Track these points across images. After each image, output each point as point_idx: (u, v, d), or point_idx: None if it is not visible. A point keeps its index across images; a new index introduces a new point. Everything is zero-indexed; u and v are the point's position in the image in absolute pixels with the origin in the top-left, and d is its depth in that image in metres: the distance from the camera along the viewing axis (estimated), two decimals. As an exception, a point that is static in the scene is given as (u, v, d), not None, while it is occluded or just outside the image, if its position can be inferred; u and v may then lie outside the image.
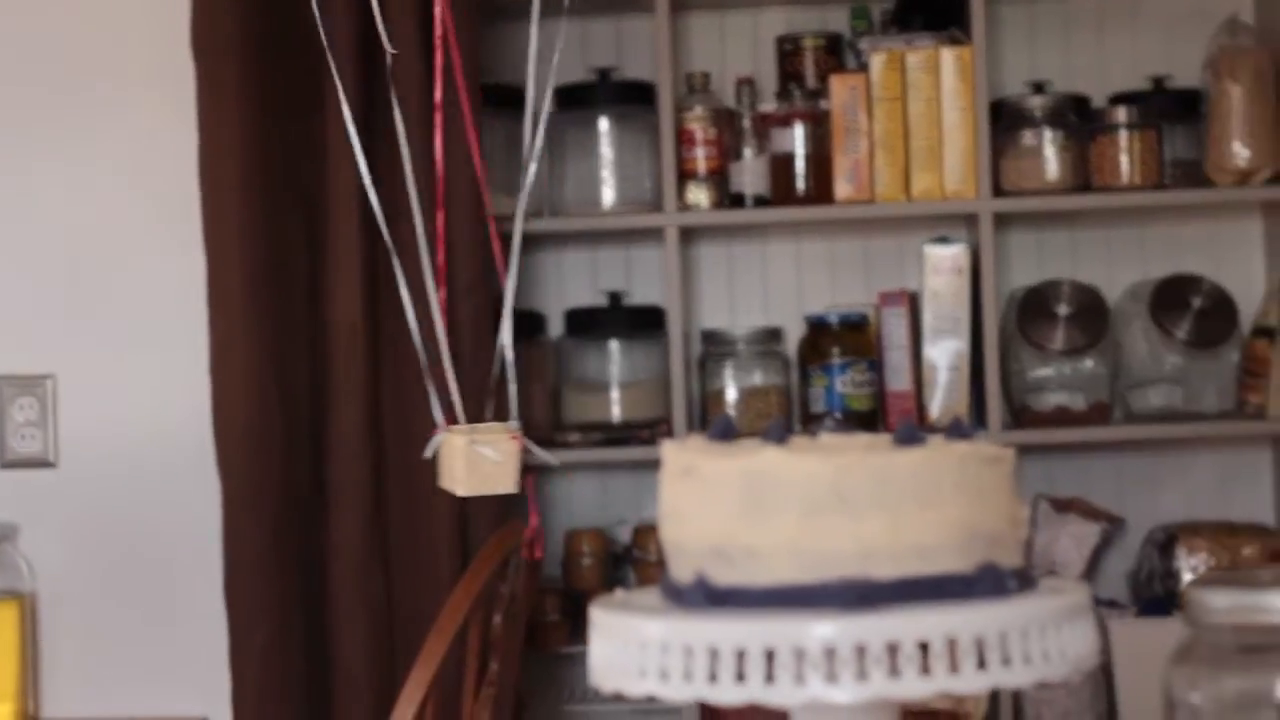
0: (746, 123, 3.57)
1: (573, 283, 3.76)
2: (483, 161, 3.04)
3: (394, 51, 2.24)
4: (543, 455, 1.95)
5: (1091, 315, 3.52)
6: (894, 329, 3.50)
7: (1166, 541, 3.45)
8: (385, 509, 3.03)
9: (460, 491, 1.90)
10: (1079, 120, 3.52)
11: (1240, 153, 3.41)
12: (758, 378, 3.59)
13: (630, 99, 3.57)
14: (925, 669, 1.19)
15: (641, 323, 3.60)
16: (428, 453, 1.94)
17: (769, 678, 1.19)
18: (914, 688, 1.19)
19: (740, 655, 1.20)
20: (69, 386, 3.20)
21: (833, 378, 3.51)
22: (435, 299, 2.08)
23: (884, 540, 1.21)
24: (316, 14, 2.29)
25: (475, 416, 3.09)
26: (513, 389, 1.99)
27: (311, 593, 3.04)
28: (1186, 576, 3.37)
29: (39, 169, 3.21)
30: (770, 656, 1.19)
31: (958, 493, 1.23)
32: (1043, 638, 1.22)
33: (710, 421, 3.45)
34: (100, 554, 3.18)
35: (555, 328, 3.70)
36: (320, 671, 3.04)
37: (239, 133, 3.01)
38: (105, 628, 3.18)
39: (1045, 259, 3.72)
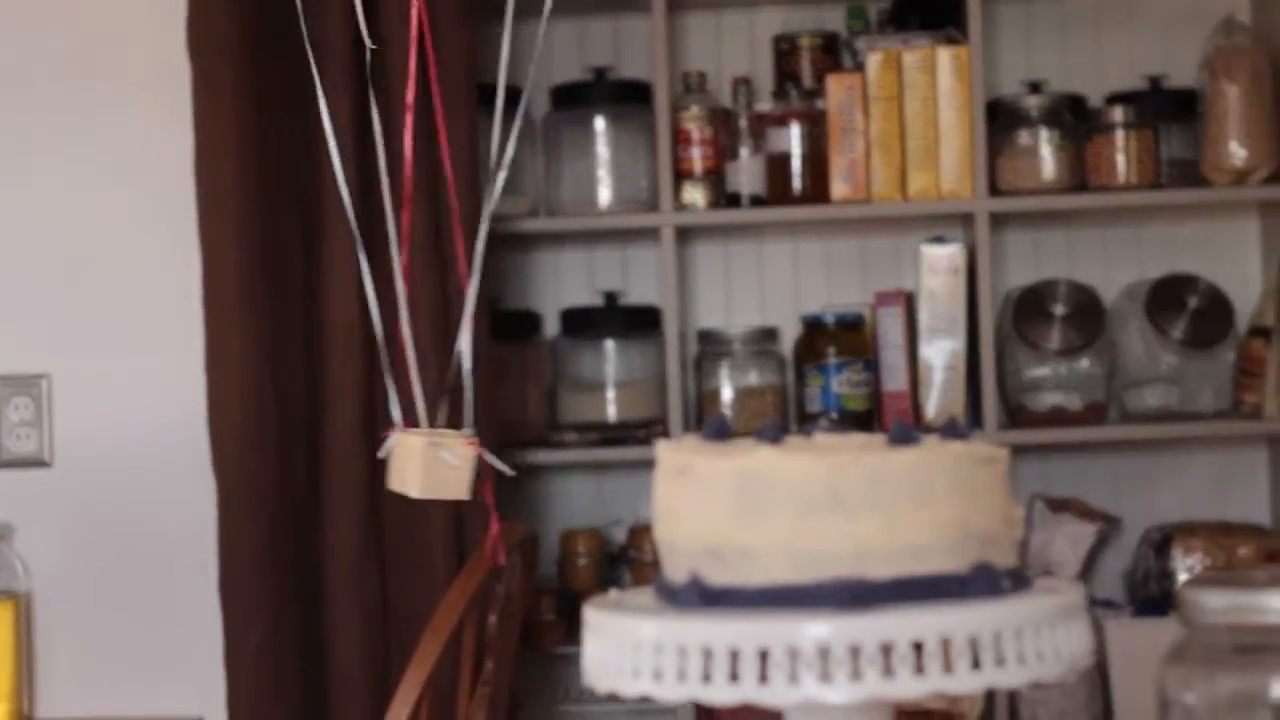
0: (743, 122, 3.57)
1: (569, 282, 3.76)
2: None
3: (373, 46, 2.24)
4: (499, 464, 1.93)
5: (1087, 315, 3.52)
6: (890, 329, 3.50)
7: (1162, 541, 3.45)
8: (381, 509, 3.03)
9: (413, 494, 1.88)
10: (1075, 120, 3.52)
11: (1237, 152, 3.41)
12: (754, 377, 3.59)
13: (627, 98, 3.57)
14: (919, 669, 1.19)
15: (637, 322, 3.60)
16: (381, 453, 1.93)
17: (763, 678, 1.19)
18: (908, 688, 1.19)
19: (734, 655, 1.20)
20: (64, 386, 3.20)
21: (828, 377, 3.50)
22: (403, 296, 2.07)
23: (878, 540, 1.21)
24: (300, 10, 2.28)
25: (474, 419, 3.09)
26: (469, 395, 1.97)
27: (307, 592, 3.03)
28: (1182, 576, 3.36)
29: (35, 169, 3.21)
30: (764, 656, 1.19)
31: (952, 493, 1.23)
32: (1037, 638, 1.22)
33: (706, 421, 3.45)
34: (96, 553, 3.17)
35: (551, 327, 3.70)
36: (316, 671, 3.03)
37: (235, 132, 3.01)
38: (100, 627, 3.18)
39: (1041, 259, 3.72)
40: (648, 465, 1.33)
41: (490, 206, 1.98)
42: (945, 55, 3.42)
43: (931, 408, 3.44)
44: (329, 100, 2.92)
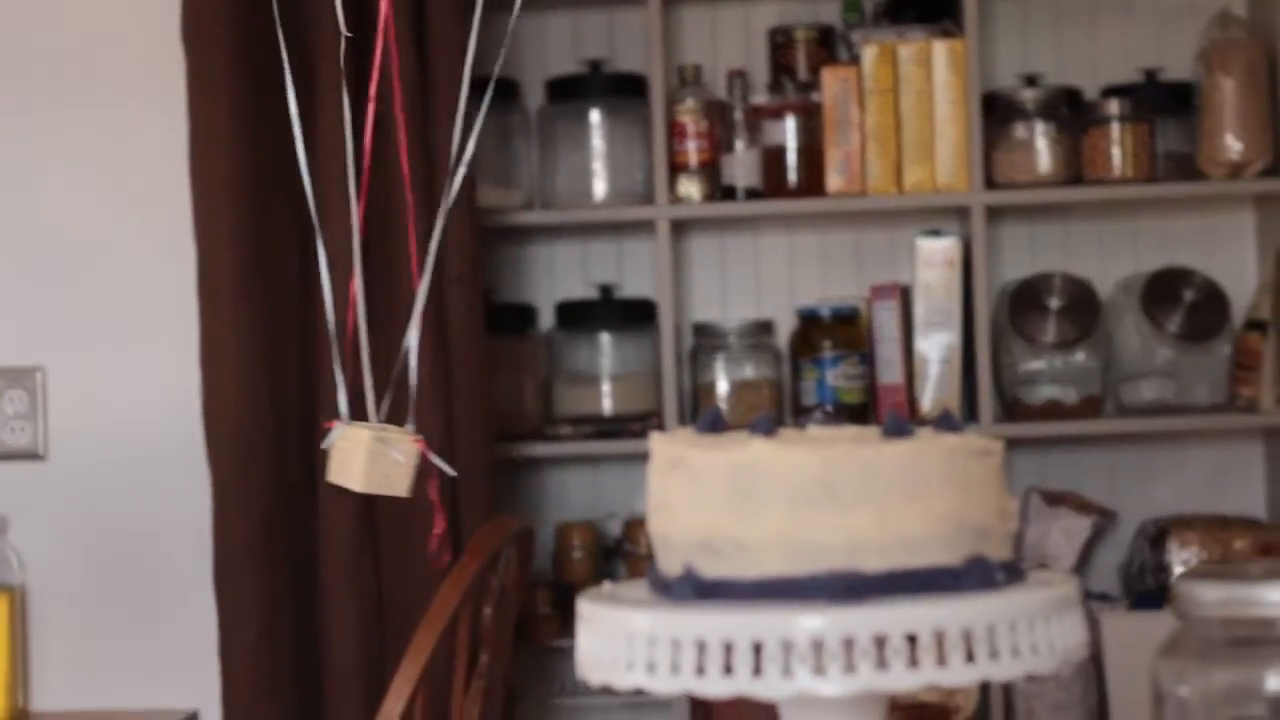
0: (738, 115, 3.56)
1: (564, 275, 3.76)
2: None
3: (349, 35, 2.24)
4: (442, 464, 1.92)
5: (1083, 308, 3.52)
6: (885, 322, 3.50)
7: (1158, 535, 3.45)
8: (375, 502, 3.03)
9: (356, 488, 1.86)
10: (1071, 113, 3.52)
11: (1232, 145, 3.41)
12: (749, 371, 3.59)
13: (622, 91, 3.57)
14: (913, 662, 1.19)
15: (633, 315, 3.59)
16: (325, 444, 1.91)
17: (756, 670, 1.19)
18: (902, 680, 1.18)
19: (728, 648, 1.20)
20: (59, 379, 3.19)
21: (824, 371, 3.50)
22: (360, 290, 2.05)
23: (872, 533, 1.21)
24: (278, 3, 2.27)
25: (465, 412, 3.09)
26: (413, 393, 1.96)
27: (302, 586, 3.03)
28: (1178, 570, 3.36)
29: (29, 163, 3.20)
30: (758, 649, 1.19)
31: (946, 485, 1.23)
32: (1031, 630, 1.22)
33: (700, 414, 3.45)
34: (90, 547, 3.17)
35: (546, 320, 3.69)
36: (311, 664, 3.03)
37: (229, 127, 3.01)
38: (95, 621, 3.17)
39: (1037, 252, 3.71)
40: (643, 458, 1.33)
41: (448, 203, 1.96)
42: (941, 48, 3.42)
43: (927, 401, 3.44)
44: (324, 93, 2.93)
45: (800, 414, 3.52)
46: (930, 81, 3.42)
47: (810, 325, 3.56)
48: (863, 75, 3.44)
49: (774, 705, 1.26)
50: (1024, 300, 3.53)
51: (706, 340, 3.62)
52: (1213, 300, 3.53)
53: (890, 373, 3.49)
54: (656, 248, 3.47)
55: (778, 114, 3.51)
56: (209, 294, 3.01)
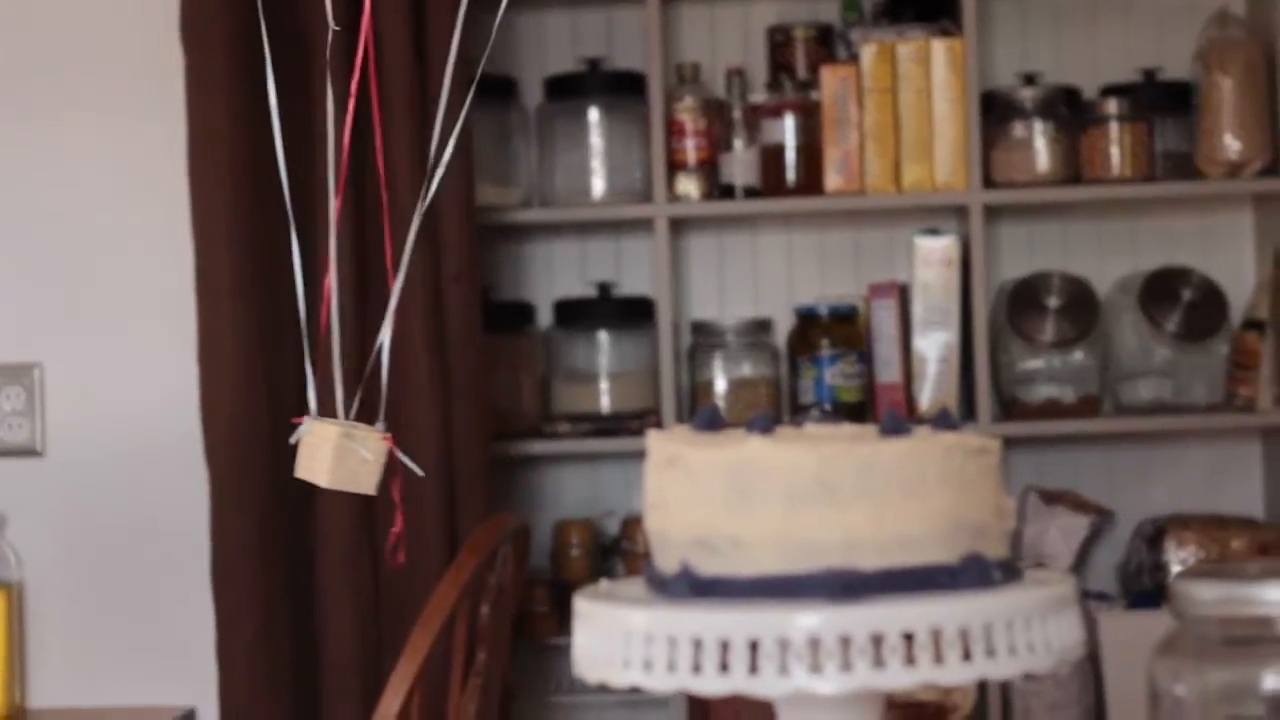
0: (737, 113, 3.56)
1: (562, 273, 3.75)
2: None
3: (336, 28, 2.23)
4: (410, 463, 1.91)
5: (1081, 307, 3.52)
6: (883, 321, 3.50)
7: (1156, 534, 3.45)
8: (373, 501, 3.02)
9: (322, 483, 1.86)
10: (1070, 112, 3.52)
11: (1231, 145, 3.41)
12: (747, 369, 3.59)
13: (620, 89, 3.56)
14: (910, 660, 1.19)
15: (631, 313, 3.59)
16: (293, 439, 1.91)
17: (753, 668, 1.19)
18: (898, 678, 1.18)
19: (724, 646, 1.19)
20: (56, 375, 3.19)
21: (822, 369, 3.50)
22: (334, 286, 2.04)
23: (868, 531, 1.21)
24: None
25: (463, 410, 3.09)
26: (384, 391, 1.96)
27: (299, 583, 3.03)
28: (1175, 569, 3.36)
29: (27, 159, 3.20)
30: (754, 647, 1.19)
31: (943, 483, 1.23)
32: (1027, 629, 1.22)
33: (697, 412, 3.45)
34: (88, 543, 3.17)
35: (544, 318, 3.69)
36: (308, 661, 3.03)
37: (228, 126, 3.00)
38: (93, 617, 3.17)
39: (1035, 251, 3.71)
40: (641, 456, 1.33)
41: (425, 204, 1.96)
42: (940, 47, 3.42)
43: (925, 400, 3.44)
44: (322, 92, 2.92)
45: (798, 413, 3.52)
46: (929, 80, 3.42)
47: (808, 324, 3.55)
48: (861, 74, 3.44)
49: (770, 703, 1.26)
50: (1022, 299, 3.53)
51: (704, 338, 3.62)
52: (1211, 300, 3.53)
53: (888, 371, 3.49)
54: (655, 246, 3.47)
55: (776, 112, 3.51)
56: (207, 292, 3.01)
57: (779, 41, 3.64)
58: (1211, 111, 3.43)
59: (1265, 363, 3.45)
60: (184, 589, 3.11)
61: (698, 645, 1.20)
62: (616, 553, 3.63)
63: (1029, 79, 3.56)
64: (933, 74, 3.42)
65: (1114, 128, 3.47)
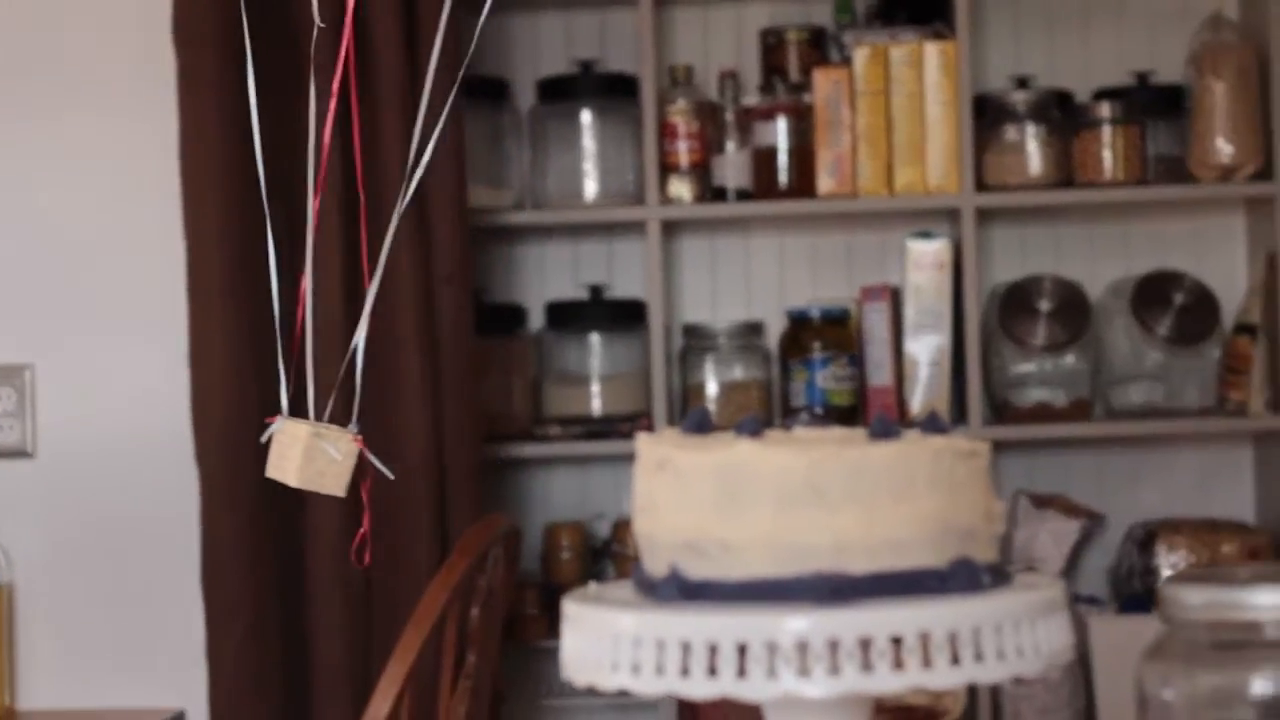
0: (729, 116, 3.56)
1: (554, 275, 3.75)
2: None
3: (321, 25, 2.23)
4: (380, 465, 1.91)
5: (1073, 311, 3.52)
6: (875, 324, 3.50)
7: (1146, 538, 3.45)
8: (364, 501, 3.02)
9: (291, 482, 1.86)
10: (1062, 115, 3.52)
11: (1223, 149, 3.41)
12: (738, 372, 3.59)
13: (613, 92, 3.56)
14: (898, 664, 1.18)
15: (623, 316, 3.59)
16: (264, 438, 1.91)
17: (741, 672, 1.18)
18: (887, 682, 1.18)
19: (712, 649, 1.19)
20: (47, 377, 3.19)
21: (813, 372, 3.50)
22: (309, 287, 2.04)
23: (858, 534, 1.21)
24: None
25: (454, 412, 3.09)
26: (358, 393, 1.95)
27: (289, 585, 3.03)
28: (1166, 573, 3.37)
29: (17, 160, 3.20)
30: (743, 650, 1.18)
31: (932, 487, 1.23)
32: (1016, 633, 1.22)
33: (686, 414, 3.45)
34: (78, 545, 3.17)
35: (536, 320, 3.69)
36: (298, 663, 3.03)
37: (219, 126, 3.00)
38: (82, 619, 3.17)
39: (1027, 254, 3.71)
40: (632, 459, 1.32)
41: (403, 205, 1.95)
42: (932, 50, 3.42)
43: (916, 403, 3.44)
44: (317, 87, 2.92)
45: (789, 415, 3.52)
46: (921, 83, 3.42)
47: (800, 326, 3.55)
48: (854, 77, 3.44)
49: (759, 707, 1.26)
50: (1014, 303, 3.53)
51: (696, 341, 3.62)
52: (1202, 304, 3.53)
53: (880, 374, 3.49)
54: (647, 248, 3.47)
55: (769, 115, 3.51)
56: (198, 292, 3.01)
57: (772, 44, 3.64)
58: (1204, 115, 3.43)
59: (1257, 367, 3.45)
60: (174, 590, 3.10)
61: (686, 648, 1.20)
62: (607, 555, 3.63)
63: (1021, 82, 3.56)
64: (925, 77, 3.42)
65: (1106, 131, 3.47)
